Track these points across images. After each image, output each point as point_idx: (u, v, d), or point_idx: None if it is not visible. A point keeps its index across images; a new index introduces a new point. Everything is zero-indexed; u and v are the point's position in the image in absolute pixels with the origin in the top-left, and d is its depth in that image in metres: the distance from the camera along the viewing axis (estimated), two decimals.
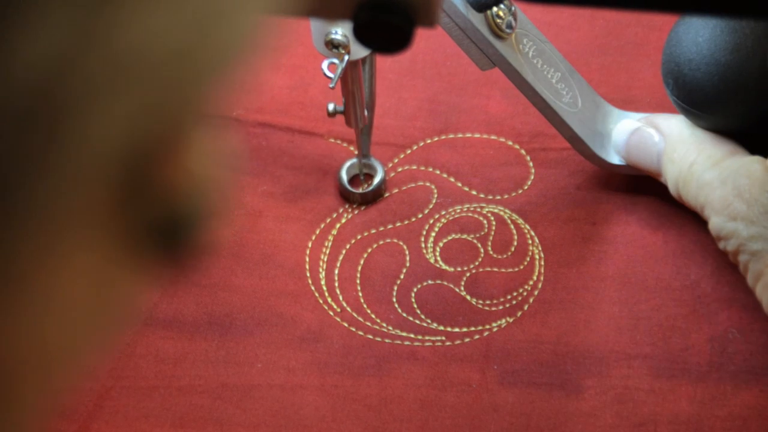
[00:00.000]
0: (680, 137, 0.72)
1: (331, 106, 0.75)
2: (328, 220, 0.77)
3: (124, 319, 0.30)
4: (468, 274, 0.75)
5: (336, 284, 0.75)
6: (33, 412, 0.29)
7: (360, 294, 0.74)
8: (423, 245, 0.76)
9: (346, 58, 0.68)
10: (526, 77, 0.72)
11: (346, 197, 0.79)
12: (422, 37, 0.85)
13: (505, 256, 0.76)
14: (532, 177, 0.79)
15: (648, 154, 0.74)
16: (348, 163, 0.79)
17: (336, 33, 0.67)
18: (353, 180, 0.80)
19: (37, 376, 0.28)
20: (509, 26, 0.70)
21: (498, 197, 0.78)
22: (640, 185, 0.77)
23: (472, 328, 0.72)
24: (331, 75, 0.69)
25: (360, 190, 0.79)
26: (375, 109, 0.76)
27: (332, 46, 0.68)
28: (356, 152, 0.79)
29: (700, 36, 0.69)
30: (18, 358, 0.27)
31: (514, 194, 0.78)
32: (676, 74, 0.70)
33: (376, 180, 0.79)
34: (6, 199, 0.24)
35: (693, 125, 0.72)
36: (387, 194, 0.79)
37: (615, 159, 0.76)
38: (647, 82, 0.82)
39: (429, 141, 0.81)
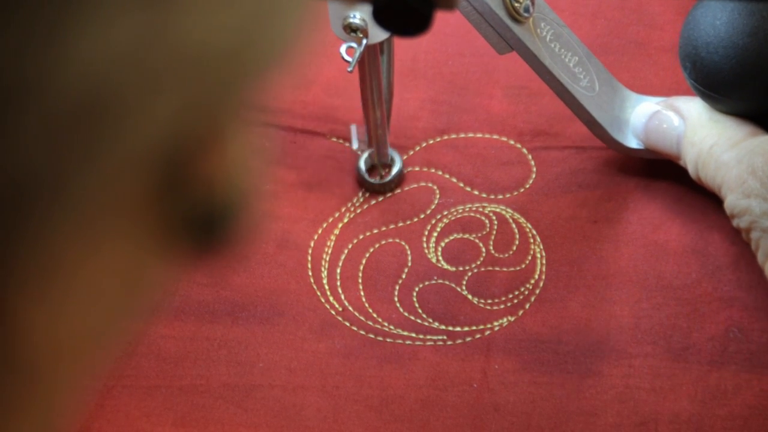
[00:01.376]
0: (700, 120, 0.72)
1: (355, 144, 0.75)
2: (331, 220, 0.77)
3: (149, 306, 0.30)
4: (469, 274, 0.75)
5: (338, 283, 0.75)
6: (61, 398, 0.29)
7: (362, 293, 0.74)
8: (425, 245, 0.76)
9: (365, 42, 0.68)
10: (543, 61, 0.72)
11: (364, 186, 0.79)
12: (424, 35, 0.85)
13: (506, 255, 0.75)
14: (534, 176, 0.79)
15: (667, 138, 0.74)
16: (366, 153, 0.80)
17: (354, 17, 0.67)
18: (371, 170, 0.80)
19: (63, 363, 0.28)
20: (527, 10, 0.70)
21: (500, 196, 0.78)
22: (642, 183, 0.77)
23: (474, 328, 0.72)
24: (349, 59, 0.69)
25: (378, 180, 0.79)
26: (393, 96, 0.77)
27: (350, 30, 0.68)
28: (374, 142, 0.79)
29: (718, 19, 0.69)
30: (44, 344, 0.27)
31: (515, 193, 0.78)
32: (694, 58, 0.70)
33: (395, 170, 0.79)
34: (45, 189, 0.24)
35: (712, 108, 0.72)
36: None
37: (632, 143, 0.76)
38: (649, 81, 0.82)
39: (431, 141, 0.81)
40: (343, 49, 0.69)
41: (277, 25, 0.27)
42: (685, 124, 0.73)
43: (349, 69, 0.68)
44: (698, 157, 0.72)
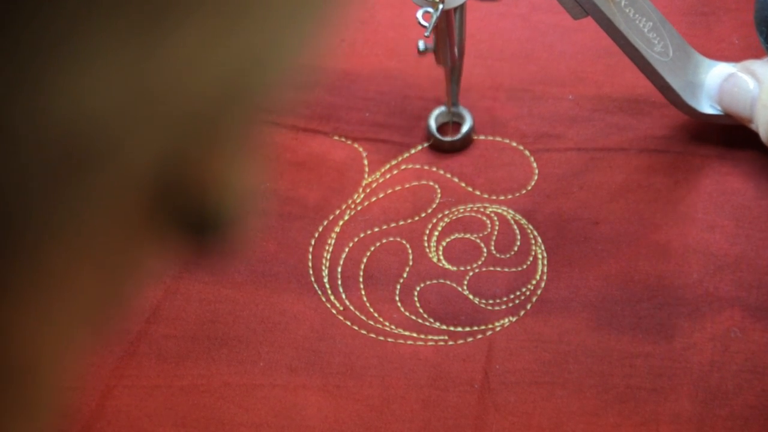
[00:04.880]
0: None
1: (421, 45, 0.76)
2: (331, 217, 0.77)
3: (132, 304, 0.31)
4: (471, 274, 0.75)
5: (339, 283, 0.75)
6: (46, 397, 0.30)
7: (363, 293, 0.74)
8: (426, 244, 0.76)
9: (441, 7, 0.69)
10: (618, 26, 0.72)
11: (435, 146, 0.80)
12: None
13: (508, 255, 0.75)
14: (536, 177, 0.79)
15: (741, 100, 0.74)
16: (436, 112, 0.81)
17: None
18: (441, 128, 0.81)
19: (46, 364, 0.29)
20: None
21: (501, 197, 0.78)
22: (643, 184, 0.77)
23: (475, 328, 0.72)
24: (425, 24, 0.70)
25: (449, 138, 0.80)
26: (464, 58, 0.77)
27: None
28: (445, 100, 0.80)
29: None
30: (28, 348, 0.27)
31: (517, 194, 0.78)
32: None
33: (465, 128, 0.80)
34: (41, 216, 0.24)
35: None
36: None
37: (706, 108, 0.76)
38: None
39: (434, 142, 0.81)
40: (419, 14, 0.70)
41: (269, 64, 0.27)
42: (759, 87, 0.73)
43: (426, 34, 0.69)
44: None
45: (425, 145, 0.81)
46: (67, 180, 0.24)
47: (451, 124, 0.80)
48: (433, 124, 0.80)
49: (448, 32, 0.72)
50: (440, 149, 0.80)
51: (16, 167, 0.23)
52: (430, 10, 0.69)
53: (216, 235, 0.30)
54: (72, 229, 0.25)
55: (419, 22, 0.70)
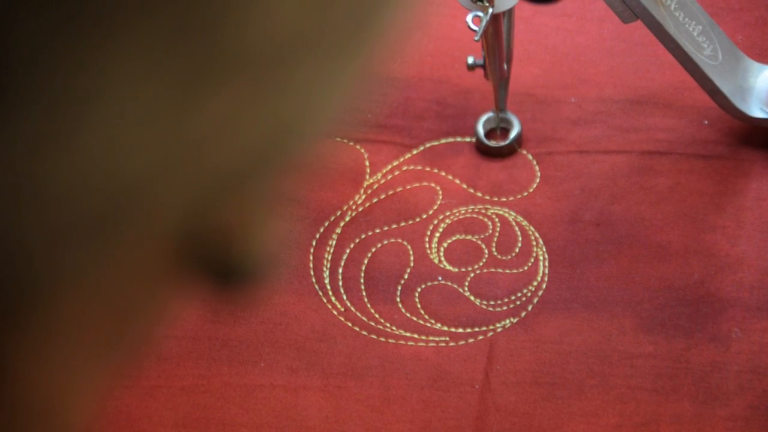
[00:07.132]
0: None
1: (470, 60, 0.76)
2: (333, 219, 0.77)
3: (143, 349, 0.31)
4: (472, 275, 0.75)
5: (340, 284, 0.75)
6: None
7: (364, 294, 0.74)
8: (427, 245, 0.76)
9: (490, 11, 0.69)
10: (668, 30, 0.72)
11: (482, 151, 0.80)
12: (430, 38, 0.86)
13: (509, 257, 0.75)
14: (538, 180, 0.79)
15: None
16: (484, 117, 0.81)
17: None
18: (489, 133, 0.81)
19: (59, 409, 0.29)
20: None
21: (503, 199, 0.78)
22: (646, 185, 0.77)
23: (476, 329, 0.72)
24: (475, 28, 0.70)
25: (496, 144, 0.80)
26: (512, 63, 0.78)
27: None
28: (493, 106, 0.81)
29: None
30: (42, 394, 0.28)
31: (519, 196, 0.78)
32: None
33: (513, 134, 0.80)
34: (67, 264, 0.24)
35: None
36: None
37: (755, 112, 0.76)
38: (655, 81, 0.82)
39: (435, 143, 0.81)
40: (469, 18, 0.70)
41: (307, 118, 0.28)
42: None
43: (476, 38, 0.69)
44: None
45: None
46: (97, 231, 0.24)
47: (498, 130, 0.81)
48: (480, 129, 0.80)
49: (496, 37, 0.72)
50: (487, 154, 0.80)
51: (48, 217, 0.23)
52: (480, 14, 0.70)
53: (238, 283, 0.30)
54: (96, 276, 0.26)
55: (469, 27, 0.70)
